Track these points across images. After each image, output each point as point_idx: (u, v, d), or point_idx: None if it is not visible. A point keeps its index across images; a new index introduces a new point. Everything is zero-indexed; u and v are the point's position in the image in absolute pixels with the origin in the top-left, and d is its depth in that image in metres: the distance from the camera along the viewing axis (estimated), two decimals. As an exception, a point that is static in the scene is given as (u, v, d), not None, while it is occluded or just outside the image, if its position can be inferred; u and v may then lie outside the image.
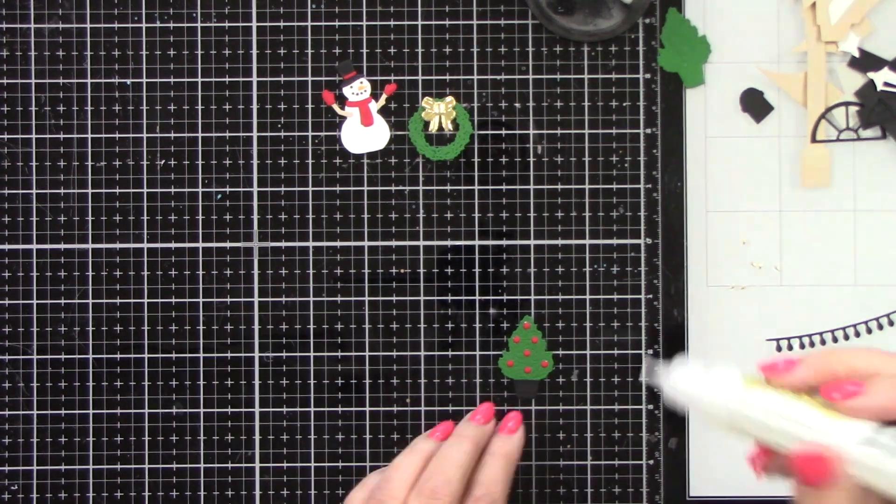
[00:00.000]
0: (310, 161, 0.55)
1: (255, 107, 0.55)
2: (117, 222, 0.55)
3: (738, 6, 0.55)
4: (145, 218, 0.55)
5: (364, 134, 0.55)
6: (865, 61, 0.54)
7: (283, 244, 0.55)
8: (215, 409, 0.55)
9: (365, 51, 0.55)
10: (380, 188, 0.55)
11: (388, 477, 0.49)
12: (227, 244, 0.55)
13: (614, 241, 0.55)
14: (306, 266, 0.55)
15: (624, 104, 0.55)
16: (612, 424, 0.55)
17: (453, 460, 0.49)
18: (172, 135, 0.55)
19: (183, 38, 0.55)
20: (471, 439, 0.50)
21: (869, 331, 0.54)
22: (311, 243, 0.55)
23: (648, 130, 0.55)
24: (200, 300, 0.55)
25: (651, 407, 0.55)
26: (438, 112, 0.55)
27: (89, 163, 0.55)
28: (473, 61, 0.55)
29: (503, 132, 0.55)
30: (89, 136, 0.55)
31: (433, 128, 0.55)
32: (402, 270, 0.55)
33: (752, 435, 0.36)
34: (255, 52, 0.55)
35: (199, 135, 0.55)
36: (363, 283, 0.55)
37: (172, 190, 0.55)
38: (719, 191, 0.55)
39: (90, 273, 0.55)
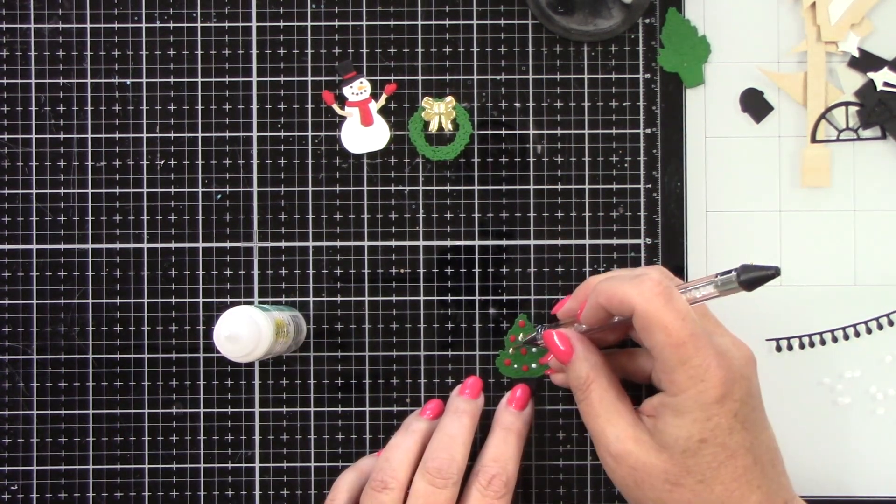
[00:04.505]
0: (310, 161, 0.55)
1: (255, 107, 0.55)
2: (117, 222, 0.55)
3: (738, 6, 0.55)
4: (145, 218, 0.55)
5: (364, 134, 0.55)
6: (865, 61, 0.54)
7: (283, 244, 0.55)
8: (215, 409, 0.55)
9: (365, 51, 0.55)
10: (380, 188, 0.55)
11: (386, 457, 0.49)
12: (227, 244, 0.55)
13: (614, 241, 0.55)
14: (306, 266, 0.55)
15: (624, 104, 0.55)
16: (612, 424, 0.55)
17: (455, 438, 0.49)
18: (172, 135, 0.55)
19: (183, 38, 0.55)
20: (468, 414, 0.51)
21: (869, 331, 0.54)
22: (311, 243, 0.55)
23: (648, 130, 0.55)
24: (200, 300, 0.55)
25: (651, 407, 0.54)
26: (438, 112, 0.55)
27: (89, 163, 0.55)
28: (473, 61, 0.55)
29: (503, 132, 0.55)
30: (89, 136, 0.55)
31: (433, 128, 0.55)
32: (402, 270, 0.55)
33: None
34: (255, 52, 0.55)
35: (199, 135, 0.55)
36: (363, 283, 0.55)
37: (172, 190, 0.55)
38: (719, 191, 0.55)
39: (90, 273, 0.55)
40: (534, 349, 0.54)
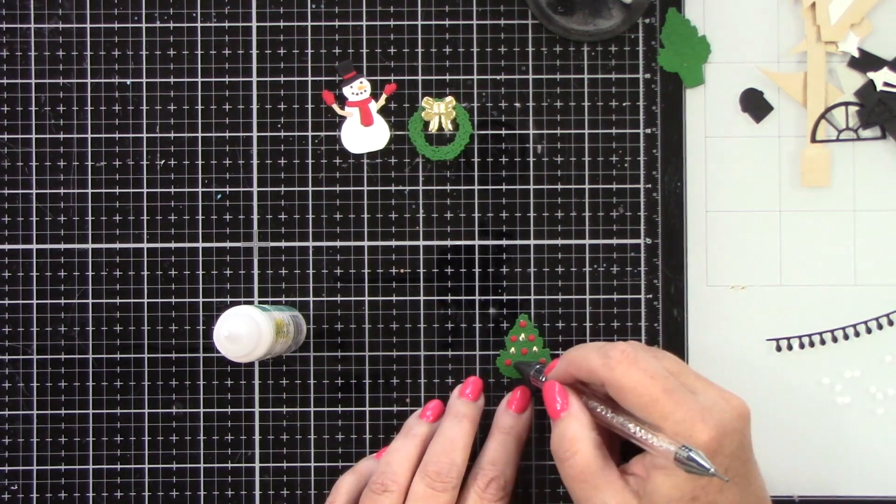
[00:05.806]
0: (310, 161, 0.55)
1: (255, 107, 0.55)
2: (117, 222, 0.55)
3: (738, 6, 0.55)
4: (145, 218, 0.55)
5: (364, 134, 0.55)
6: (865, 61, 0.54)
7: (283, 244, 0.55)
8: (215, 409, 0.55)
9: (365, 51, 0.55)
10: (380, 188, 0.55)
11: (387, 460, 0.49)
12: (227, 244, 0.55)
13: (614, 241, 0.55)
14: (306, 266, 0.55)
15: (624, 104, 0.55)
16: (612, 424, 0.55)
17: (455, 442, 0.49)
18: (172, 135, 0.55)
19: (183, 38, 0.55)
20: (469, 418, 0.50)
21: (869, 331, 0.54)
22: (311, 243, 0.55)
23: (648, 130, 0.55)
24: (200, 300, 0.55)
25: (651, 407, 0.54)
26: (438, 112, 0.55)
27: (89, 163, 0.55)
28: (473, 61, 0.55)
29: (503, 132, 0.55)
30: (89, 136, 0.55)
31: (433, 128, 0.55)
32: (402, 270, 0.55)
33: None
34: (255, 52, 0.55)
35: (199, 135, 0.55)
36: (363, 283, 0.55)
37: (172, 190, 0.55)
38: (719, 191, 0.55)
39: (90, 273, 0.55)
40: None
